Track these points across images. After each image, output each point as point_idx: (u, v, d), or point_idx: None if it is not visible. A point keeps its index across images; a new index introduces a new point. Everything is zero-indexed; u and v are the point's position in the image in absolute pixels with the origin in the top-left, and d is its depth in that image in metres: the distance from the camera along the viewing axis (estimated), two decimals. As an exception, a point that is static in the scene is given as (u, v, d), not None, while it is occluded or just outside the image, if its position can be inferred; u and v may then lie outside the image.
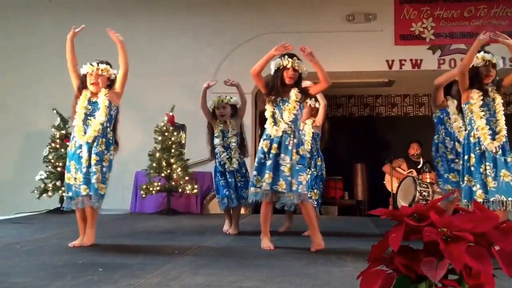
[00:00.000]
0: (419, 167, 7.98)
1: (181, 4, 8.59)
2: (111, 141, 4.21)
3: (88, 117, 4.15)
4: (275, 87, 4.14)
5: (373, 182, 9.50)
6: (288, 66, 4.10)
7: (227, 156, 5.02)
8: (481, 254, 1.31)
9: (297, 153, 4.06)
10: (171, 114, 7.46)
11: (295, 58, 4.13)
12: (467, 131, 4.10)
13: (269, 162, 4.02)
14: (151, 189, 7.14)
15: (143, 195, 7.22)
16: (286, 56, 4.12)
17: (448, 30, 8.13)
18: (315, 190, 5.02)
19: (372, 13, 8.20)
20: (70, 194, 4.15)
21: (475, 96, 3.99)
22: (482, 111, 3.97)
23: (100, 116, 4.12)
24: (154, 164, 7.23)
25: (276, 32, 8.30)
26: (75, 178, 4.10)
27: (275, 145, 4.04)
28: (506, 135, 4.00)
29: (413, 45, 8.18)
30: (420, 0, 8.19)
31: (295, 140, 4.06)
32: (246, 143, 5.30)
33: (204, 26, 8.52)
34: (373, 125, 10.54)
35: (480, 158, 3.94)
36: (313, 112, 5.12)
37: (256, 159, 4.14)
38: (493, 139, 3.93)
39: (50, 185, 7.14)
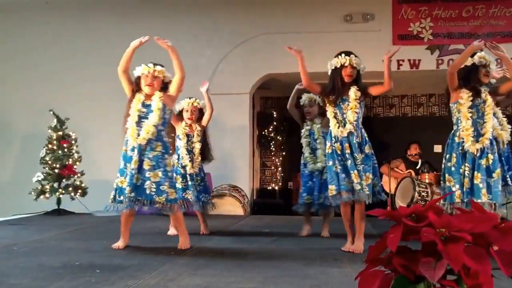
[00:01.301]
0: (417, 167, 7.98)
1: (180, 6, 8.58)
2: (168, 144, 4.16)
3: (142, 120, 4.07)
4: (336, 87, 4.09)
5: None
6: (346, 64, 4.06)
7: (189, 159, 5.03)
8: (479, 254, 1.30)
9: (362, 152, 4.04)
10: (169, 115, 7.44)
11: (352, 55, 4.09)
12: (452, 131, 4.11)
13: (348, 162, 3.99)
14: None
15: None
16: (343, 55, 4.08)
17: (446, 30, 8.12)
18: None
19: (370, 13, 8.18)
20: (121, 198, 4.02)
21: (465, 97, 3.98)
22: (470, 112, 3.97)
23: (153, 118, 4.04)
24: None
25: (274, 33, 8.29)
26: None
27: (346, 145, 4.02)
28: (491, 138, 3.98)
29: (411, 45, 8.16)
30: (418, 0, 8.19)
31: (358, 139, 4.04)
32: (210, 148, 5.26)
33: (203, 26, 8.51)
34: (371, 126, 10.50)
35: (461, 158, 3.96)
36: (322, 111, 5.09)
37: (329, 164, 4.07)
38: (477, 141, 3.93)
39: (47, 186, 7.12)
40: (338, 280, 2.97)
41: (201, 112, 5.17)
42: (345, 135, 4.03)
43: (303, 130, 5.11)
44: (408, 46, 8.18)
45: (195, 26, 8.53)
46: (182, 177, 5.03)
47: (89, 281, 2.88)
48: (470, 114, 3.96)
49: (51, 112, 7.32)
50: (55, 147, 7.27)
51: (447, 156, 4.06)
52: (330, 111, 4.14)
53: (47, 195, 7.12)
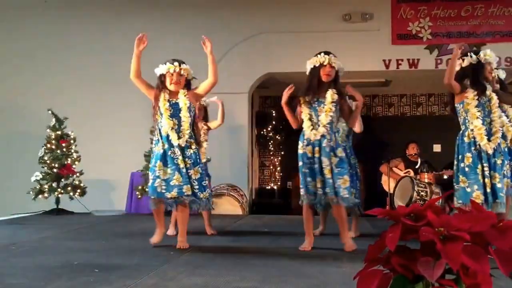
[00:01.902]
0: (416, 167, 7.97)
1: (178, 5, 8.57)
2: (195, 141, 4.20)
3: (171, 118, 4.08)
4: (312, 87, 4.06)
5: (370, 182, 9.50)
6: (325, 63, 4.03)
7: None
8: (478, 254, 1.30)
9: (335, 155, 4.01)
10: (168, 114, 7.42)
11: (331, 55, 4.06)
12: (461, 131, 4.10)
13: (316, 166, 3.98)
14: (147, 190, 7.10)
15: (139, 196, 7.20)
16: (322, 53, 4.06)
17: (445, 29, 8.12)
18: (353, 190, 4.90)
19: (369, 13, 8.19)
20: (153, 196, 4.09)
21: (470, 96, 3.98)
22: (478, 111, 3.97)
23: (186, 118, 4.07)
24: (150, 165, 7.19)
25: (273, 32, 8.30)
26: (164, 180, 4.05)
27: (317, 149, 4.00)
28: (500, 136, 4.01)
29: (410, 44, 8.17)
30: (417, -1, 8.20)
31: (331, 143, 4.01)
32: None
33: (202, 25, 8.49)
34: (370, 125, 10.51)
35: (477, 158, 3.94)
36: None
37: (300, 164, 4.05)
38: (489, 139, 3.94)
39: (46, 186, 7.11)
40: (336, 279, 2.96)
41: (205, 111, 5.17)
42: (318, 138, 4.01)
43: None
44: (407, 46, 8.19)
45: (194, 25, 8.53)
46: None
47: (88, 280, 2.88)
48: (479, 113, 3.96)
49: (50, 112, 7.31)
50: (53, 147, 7.25)
51: (460, 157, 4.03)
52: (305, 112, 4.11)
53: (45, 194, 7.11)
